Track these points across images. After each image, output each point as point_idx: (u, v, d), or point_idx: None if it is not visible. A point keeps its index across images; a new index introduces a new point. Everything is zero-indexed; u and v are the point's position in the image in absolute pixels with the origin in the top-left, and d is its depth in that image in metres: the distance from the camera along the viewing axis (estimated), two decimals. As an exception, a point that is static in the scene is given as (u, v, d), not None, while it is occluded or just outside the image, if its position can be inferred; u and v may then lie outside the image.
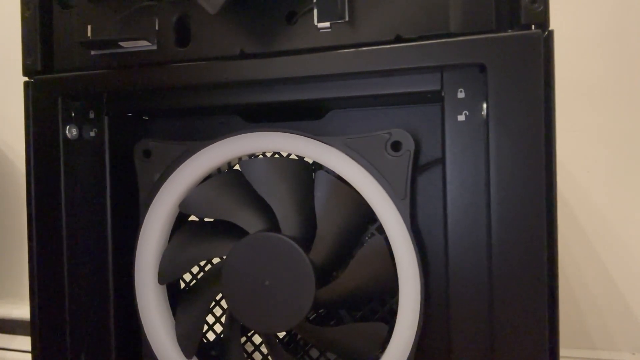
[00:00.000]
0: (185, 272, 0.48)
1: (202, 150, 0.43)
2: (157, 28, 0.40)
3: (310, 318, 0.47)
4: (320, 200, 0.41)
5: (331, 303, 0.43)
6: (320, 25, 0.36)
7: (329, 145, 0.40)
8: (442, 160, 0.36)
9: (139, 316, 0.45)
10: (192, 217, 0.48)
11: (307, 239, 0.41)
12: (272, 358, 0.46)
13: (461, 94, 0.35)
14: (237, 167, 0.48)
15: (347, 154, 0.39)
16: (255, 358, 0.50)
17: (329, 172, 0.42)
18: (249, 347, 0.51)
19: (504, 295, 0.34)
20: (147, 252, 0.45)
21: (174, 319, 0.46)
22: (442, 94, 0.36)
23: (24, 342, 0.79)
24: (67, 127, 0.42)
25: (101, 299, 0.45)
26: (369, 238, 0.44)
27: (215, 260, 0.48)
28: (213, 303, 0.50)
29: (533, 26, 0.33)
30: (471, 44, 0.34)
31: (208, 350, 0.50)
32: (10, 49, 0.56)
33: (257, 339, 0.51)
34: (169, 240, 0.45)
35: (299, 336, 0.51)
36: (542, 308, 0.33)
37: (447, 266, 0.36)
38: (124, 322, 0.46)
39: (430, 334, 0.40)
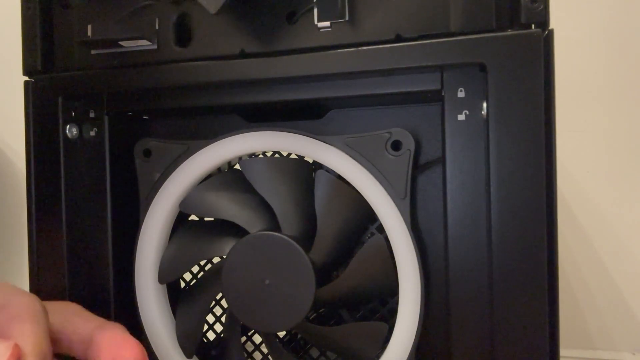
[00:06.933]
0: (186, 272, 0.48)
1: (203, 150, 0.43)
2: (157, 27, 0.40)
3: (311, 317, 0.47)
4: (320, 199, 0.41)
5: (331, 302, 0.43)
6: (321, 24, 0.36)
7: (329, 144, 0.40)
8: (442, 160, 0.36)
9: (139, 315, 0.45)
10: (193, 217, 0.49)
11: (307, 239, 0.41)
12: (272, 357, 0.46)
13: (461, 94, 0.35)
14: (237, 166, 0.48)
15: (347, 153, 0.39)
16: (255, 358, 0.50)
17: (329, 171, 0.42)
18: (249, 347, 0.51)
19: (504, 295, 0.34)
20: (147, 252, 0.45)
21: (174, 318, 0.46)
22: (442, 94, 0.36)
23: (24, 341, 0.79)
24: (68, 126, 0.42)
25: (101, 298, 0.45)
26: (369, 237, 0.44)
27: (216, 259, 0.48)
28: (213, 302, 0.50)
29: (533, 25, 0.33)
30: (471, 44, 0.34)
31: (208, 350, 0.50)
32: (10, 49, 0.56)
33: (257, 339, 0.51)
34: (169, 240, 0.45)
35: (299, 336, 0.51)
36: (542, 308, 0.33)
37: (447, 266, 0.36)
38: (124, 321, 0.45)
39: (430, 334, 0.40)
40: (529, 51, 0.33)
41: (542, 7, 0.33)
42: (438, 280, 0.40)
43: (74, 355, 0.36)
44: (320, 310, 0.48)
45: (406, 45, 0.35)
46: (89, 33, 0.40)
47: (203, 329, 0.47)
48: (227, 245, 0.42)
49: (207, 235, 0.45)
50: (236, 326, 0.45)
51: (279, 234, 0.40)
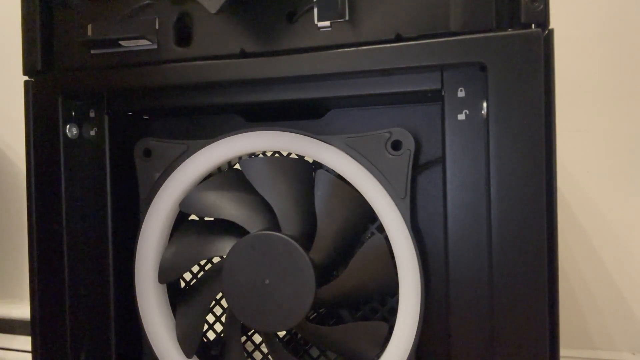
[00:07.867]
0: (186, 271, 0.48)
1: (203, 150, 0.43)
2: (157, 27, 0.40)
3: (311, 317, 0.47)
4: (320, 199, 0.41)
5: (331, 302, 0.43)
6: (321, 24, 0.36)
7: (329, 144, 0.40)
8: (442, 159, 0.36)
9: (139, 315, 0.45)
10: (192, 216, 0.48)
11: (307, 238, 0.41)
12: (272, 357, 0.46)
13: (461, 93, 0.35)
14: (237, 166, 0.48)
15: (347, 153, 0.39)
16: (255, 357, 0.50)
17: (329, 171, 0.42)
18: (249, 347, 0.51)
19: (504, 295, 0.34)
20: (147, 251, 0.45)
21: (174, 318, 0.46)
22: (443, 93, 0.36)
23: (24, 342, 0.79)
24: (68, 126, 0.42)
25: (101, 298, 0.45)
26: (369, 237, 0.44)
27: (216, 259, 0.48)
28: (213, 302, 0.50)
29: (533, 25, 0.33)
30: (471, 43, 0.34)
31: (208, 350, 0.50)
32: (11, 49, 0.56)
33: (257, 338, 0.51)
34: (169, 240, 0.45)
35: (299, 335, 0.51)
36: (542, 308, 0.33)
37: (447, 265, 0.36)
38: (124, 321, 0.46)
39: (430, 334, 0.40)
40: (529, 51, 0.33)
41: (542, 6, 0.33)
42: (438, 280, 0.40)
43: None
44: (320, 310, 0.48)
45: (406, 45, 0.35)
46: (89, 33, 0.40)
47: (203, 328, 0.47)
48: (227, 245, 0.42)
49: (207, 235, 0.45)
50: (236, 326, 0.45)
51: (279, 234, 0.40)
